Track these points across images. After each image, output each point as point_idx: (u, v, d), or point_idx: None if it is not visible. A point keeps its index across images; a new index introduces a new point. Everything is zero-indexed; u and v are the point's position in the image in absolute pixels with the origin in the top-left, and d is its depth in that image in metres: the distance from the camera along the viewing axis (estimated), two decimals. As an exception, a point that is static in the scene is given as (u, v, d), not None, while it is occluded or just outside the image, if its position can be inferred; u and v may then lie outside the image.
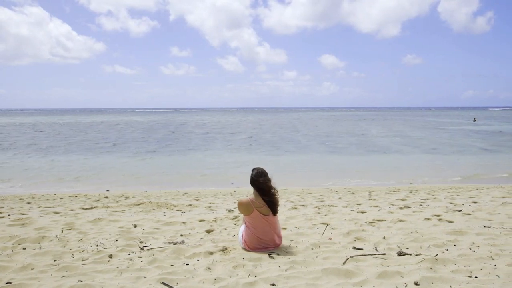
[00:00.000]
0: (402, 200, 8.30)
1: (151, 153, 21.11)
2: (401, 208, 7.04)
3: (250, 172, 4.30)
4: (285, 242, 4.48)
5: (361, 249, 4.15)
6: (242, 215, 4.38)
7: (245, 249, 4.20)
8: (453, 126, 45.28)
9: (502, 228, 5.03)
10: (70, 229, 5.28)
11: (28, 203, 8.63)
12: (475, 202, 7.54)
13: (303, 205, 7.71)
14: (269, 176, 4.25)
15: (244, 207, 4.18)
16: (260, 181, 4.13)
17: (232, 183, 12.61)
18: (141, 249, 4.26)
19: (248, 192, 9.72)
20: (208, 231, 5.21)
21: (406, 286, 3.01)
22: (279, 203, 4.32)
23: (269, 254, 3.98)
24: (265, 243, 4.15)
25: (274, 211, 4.17)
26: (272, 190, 4.19)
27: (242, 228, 4.37)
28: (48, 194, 10.46)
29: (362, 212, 6.58)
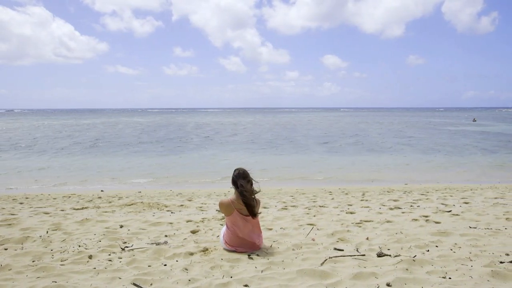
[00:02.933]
0: (394, 200, 8.27)
1: (148, 153, 21.16)
2: (391, 209, 7.01)
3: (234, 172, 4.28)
4: (267, 243, 4.47)
5: (342, 250, 4.13)
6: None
7: (226, 250, 4.20)
8: (454, 127, 45.18)
9: (488, 229, 5.01)
10: (55, 230, 5.28)
11: (21, 203, 8.64)
12: (466, 203, 7.50)
13: (294, 206, 7.69)
14: (251, 177, 4.23)
15: (224, 207, 4.17)
16: (239, 184, 4.11)
17: None
18: (123, 249, 4.26)
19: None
20: (193, 232, 5.20)
21: (378, 287, 3.00)
22: (261, 205, 4.30)
23: (249, 255, 3.97)
24: (245, 243, 4.14)
25: (253, 214, 4.15)
26: (253, 194, 4.16)
27: (223, 229, 4.37)
28: (42, 194, 10.48)
29: (351, 213, 6.56)
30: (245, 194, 4.05)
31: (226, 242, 4.21)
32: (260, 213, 4.30)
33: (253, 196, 4.14)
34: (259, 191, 4.27)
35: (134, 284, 3.05)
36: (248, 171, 4.30)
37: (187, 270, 3.52)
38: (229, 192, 10.69)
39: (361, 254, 3.92)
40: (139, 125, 51.68)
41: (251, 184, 4.19)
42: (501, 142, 25.71)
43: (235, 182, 4.17)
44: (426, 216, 5.99)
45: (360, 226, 5.39)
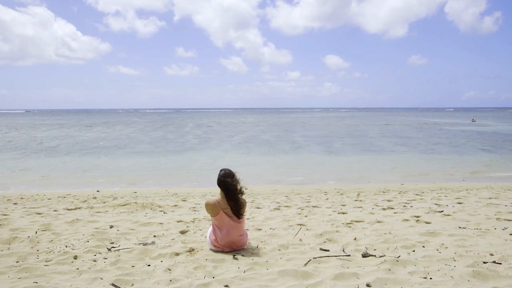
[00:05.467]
0: (388, 201, 8.25)
1: (145, 154, 21.15)
2: (384, 209, 6.99)
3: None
4: (255, 243, 4.46)
5: (328, 250, 4.12)
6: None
7: (212, 250, 4.20)
8: (453, 127, 45.14)
9: (477, 229, 4.99)
10: (45, 230, 5.28)
11: (15, 203, 8.64)
12: (459, 203, 7.48)
13: (287, 206, 7.67)
14: (237, 177, 4.22)
15: (210, 208, 4.17)
16: (226, 183, 4.11)
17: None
18: (109, 250, 4.26)
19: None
20: (182, 232, 5.20)
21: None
22: (247, 206, 4.29)
23: (234, 255, 3.97)
24: (231, 243, 4.13)
25: (238, 215, 4.14)
26: (238, 194, 4.15)
27: (210, 229, 4.36)
28: (37, 194, 10.47)
29: (343, 213, 6.54)
30: (232, 195, 4.04)
31: (212, 243, 4.20)
32: (244, 215, 4.28)
33: (240, 195, 4.13)
34: (246, 189, 4.26)
35: (113, 285, 3.04)
36: (236, 172, 4.29)
37: (170, 270, 3.52)
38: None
39: (346, 254, 3.91)
40: (138, 126, 51.71)
41: (238, 184, 4.18)
42: (497, 142, 25.72)
43: (221, 182, 4.17)
44: (418, 217, 5.98)
45: (350, 227, 5.38)
